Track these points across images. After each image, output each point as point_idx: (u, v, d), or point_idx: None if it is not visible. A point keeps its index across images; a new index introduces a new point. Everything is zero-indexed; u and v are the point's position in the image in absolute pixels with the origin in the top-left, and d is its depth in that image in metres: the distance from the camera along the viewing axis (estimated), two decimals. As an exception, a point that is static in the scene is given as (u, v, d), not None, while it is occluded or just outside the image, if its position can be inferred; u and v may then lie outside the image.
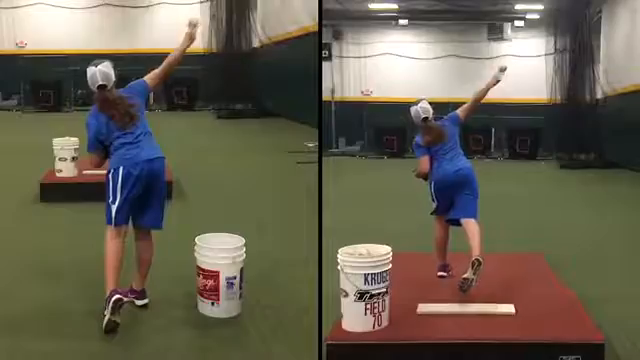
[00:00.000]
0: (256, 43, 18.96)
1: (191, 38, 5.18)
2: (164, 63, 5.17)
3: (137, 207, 4.85)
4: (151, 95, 18.57)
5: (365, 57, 21.61)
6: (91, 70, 4.84)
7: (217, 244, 4.94)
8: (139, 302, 4.98)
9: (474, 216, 5.44)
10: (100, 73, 4.82)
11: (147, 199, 4.87)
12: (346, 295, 4.36)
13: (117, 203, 4.74)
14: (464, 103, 5.97)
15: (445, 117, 5.84)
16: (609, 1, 17.37)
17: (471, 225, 5.37)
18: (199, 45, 19.22)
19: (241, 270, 4.86)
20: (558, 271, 5.89)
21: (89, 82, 4.87)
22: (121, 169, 4.75)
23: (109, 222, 4.77)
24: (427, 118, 5.62)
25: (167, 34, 19.76)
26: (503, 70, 5.86)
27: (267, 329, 4.70)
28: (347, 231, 6.59)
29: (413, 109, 5.64)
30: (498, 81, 5.83)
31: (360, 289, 4.32)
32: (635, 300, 5.66)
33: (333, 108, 21.14)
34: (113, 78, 4.88)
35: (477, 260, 5.02)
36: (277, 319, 4.85)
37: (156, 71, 5.16)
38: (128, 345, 4.46)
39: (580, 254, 7.27)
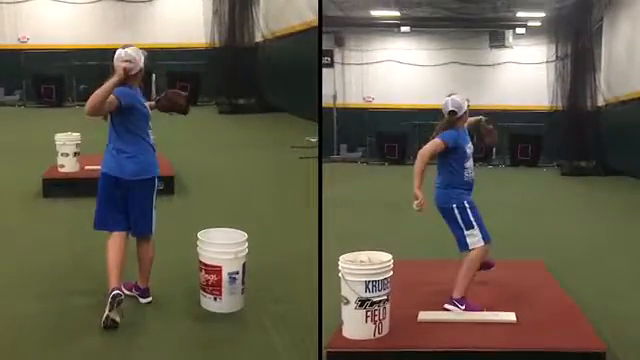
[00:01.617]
0: (258, 38, 18.93)
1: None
2: None
3: (124, 216, 4.86)
4: (153, 89, 18.64)
5: (367, 64, 21.61)
6: (119, 51, 4.80)
7: (219, 239, 4.95)
8: (143, 300, 5.04)
9: (466, 248, 4.98)
10: (126, 54, 4.77)
11: (130, 209, 4.86)
12: (347, 302, 4.35)
13: (97, 206, 4.84)
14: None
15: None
16: (610, 8, 17.38)
17: (465, 259, 4.99)
18: (202, 40, 19.30)
19: (243, 265, 4.88)
20: (559, 279, 5.88)
21: (115, 62, 4.78)
22: (102, 176, 4.81)
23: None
24: (455, 112, 5.00)
25: (169, 28, 20.00)
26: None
27: (269, 324, 4.72)
28: (348, 238, 6.59)
29: (444, 101, 5.09)
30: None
31: (361, 296, 4.31)
32: (636, 308, 5.66)
33: (335, 114, 21.15)
34: (140, 64, 4.80)
35: (444, 308, 4.86)
36: (279, 314, 4.87)
37: None
38: (131, 339, 4.48)
39: (581, 262, 7.27)
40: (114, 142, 4.79)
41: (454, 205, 4.93)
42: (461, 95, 5.09)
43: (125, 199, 4.81)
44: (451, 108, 4.99)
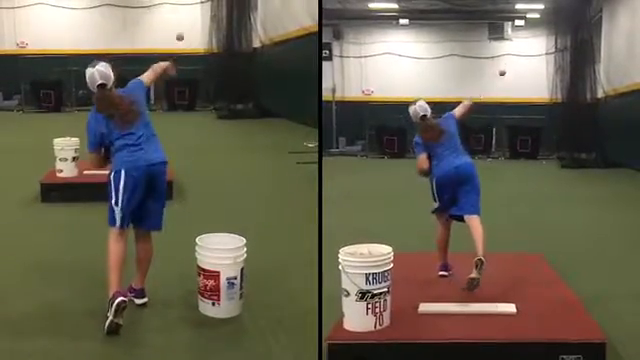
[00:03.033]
0: (257, 43, 18.96)
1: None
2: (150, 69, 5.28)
3: (138, 209, 4.85)
4: (152, 95, 18.72)
5: (366, 57, 21.60)
6: (89, 71, 4.90)
7: (217, 244, 4.94)
8: (138, 301, 5.01)
9: (477, 212, 5.47)
10: (99, 72, 4.87)
11: (148, 202, 4.88)
12: (347, 295, 4.36)
13: (120, 205, 4.76)
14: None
15: (442, 116, 5.89)
16: (610, 0, 17.36)
17: (474, 222, 5.41)
18: (200, 45, 19.30)
19: (242, 270, 4.86)
20: (559, 270, 5.88)
21: (88, 83, 4.91)
22: (123, 172, 4.76)
23: (112, 224, 4.78)
24: (425, 116, 5.70)
25: (168, 34, 19.92)
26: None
27: (268, 329, 4.70)
28: (348, 231, 6.59)
29: (411, 108, 5.76)
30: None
31: (361, 289, 4.32)
32: (636, 299, 5.66)
33: (334, 108, 21.14)
34: (112, 77, 4.91)
35: (480, 260, 5.07)
36: (278, 319, 4.85)
37: (148, 72, 5.26)
38: (128, 345, 4.47)
39: (581, 253, 7.27)
40: (129, 141, 4.82)
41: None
42: (422, 99, 5.80)
43: (146, 190, 4.81)
44: (422, 113, 5.69)
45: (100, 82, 4.85)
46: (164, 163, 4.96)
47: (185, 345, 4.51)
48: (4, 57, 19.81)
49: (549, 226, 8.80)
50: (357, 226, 8.20)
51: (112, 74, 4.92)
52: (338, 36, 21.41)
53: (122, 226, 4.76)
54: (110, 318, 4.44)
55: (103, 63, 4.95)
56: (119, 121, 4.83)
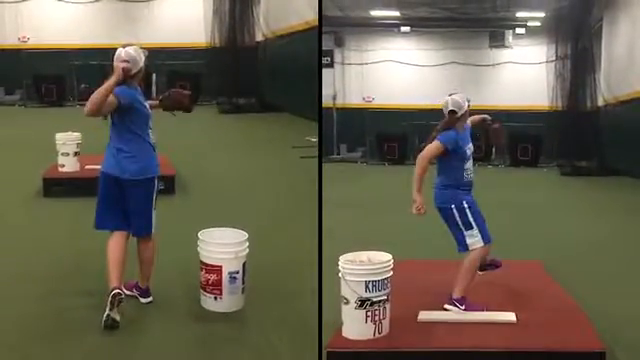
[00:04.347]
0: (259, 37, 18.97)
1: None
2: None
3: (125, 215, 4.87)
4: (154, 89, 18.71)
5: (367, 64, 21.63)
6: (119, 51, 4.79)
7: (220, 239, 4.96)
8: (143, 300, 5.05)
9: (464, 249, 4.94)
10: (125, 53, 4.75)
11: (130, 208, 4.87)
12: (347, 302, 4.35)
13: (97, 206, 4.85)
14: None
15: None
16: (610, 8, 17.40)
17: (465, 259, 4.96)
18: (202, 39, 19.31)
19: (244, 265, 4.88)
20: (558, 278, 5.89)
21: (115, 60, 4.77)
22: (102, 175, 4.83)
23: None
24: (454, 112, 4.91)
25: (170, 28, 20.00)
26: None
27: (269, 323, 4.73)
28: (348, 238, 6.58)
29: (444, 100, 4.98)
30: None
31: (361, 296, 4.30)
32: (635, 307, 5.65)
33: (334, 115, 21.15)
34: (140, 64, 4.79)
35: (444, 308, 4.86)
36: (279, 314, 4.88)
37: None
38: (131, 339, 4.50)
39: (581, 261, 7.28)
40: (114, 141, 4.82)
41: (453, 206, 4.90)
42: (462, 94, 5.01)
43: (125, 199, 4.83)
44: (451, 108, 4.91)
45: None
46: (139, 180, 4.83)
47: (187, 339, 4.53)
48: (6, 52, 19.81)
49: (549, 233, 8.81)
50: (357, 233, 8.19)
51: (142, 59, 4.79)
52: (339, 43, 21.46)
53: (98, 227, 4.86)
54: (107, 312, 4.48)
55: (134, 46, 4.82)
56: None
